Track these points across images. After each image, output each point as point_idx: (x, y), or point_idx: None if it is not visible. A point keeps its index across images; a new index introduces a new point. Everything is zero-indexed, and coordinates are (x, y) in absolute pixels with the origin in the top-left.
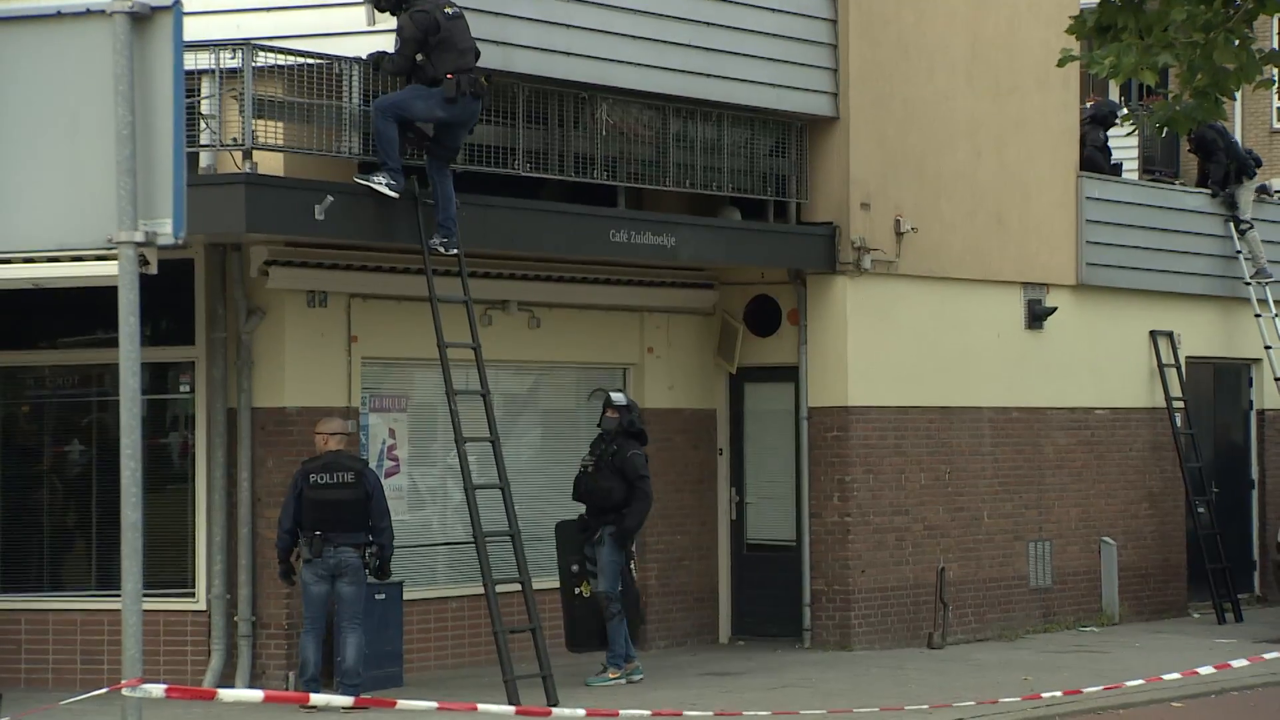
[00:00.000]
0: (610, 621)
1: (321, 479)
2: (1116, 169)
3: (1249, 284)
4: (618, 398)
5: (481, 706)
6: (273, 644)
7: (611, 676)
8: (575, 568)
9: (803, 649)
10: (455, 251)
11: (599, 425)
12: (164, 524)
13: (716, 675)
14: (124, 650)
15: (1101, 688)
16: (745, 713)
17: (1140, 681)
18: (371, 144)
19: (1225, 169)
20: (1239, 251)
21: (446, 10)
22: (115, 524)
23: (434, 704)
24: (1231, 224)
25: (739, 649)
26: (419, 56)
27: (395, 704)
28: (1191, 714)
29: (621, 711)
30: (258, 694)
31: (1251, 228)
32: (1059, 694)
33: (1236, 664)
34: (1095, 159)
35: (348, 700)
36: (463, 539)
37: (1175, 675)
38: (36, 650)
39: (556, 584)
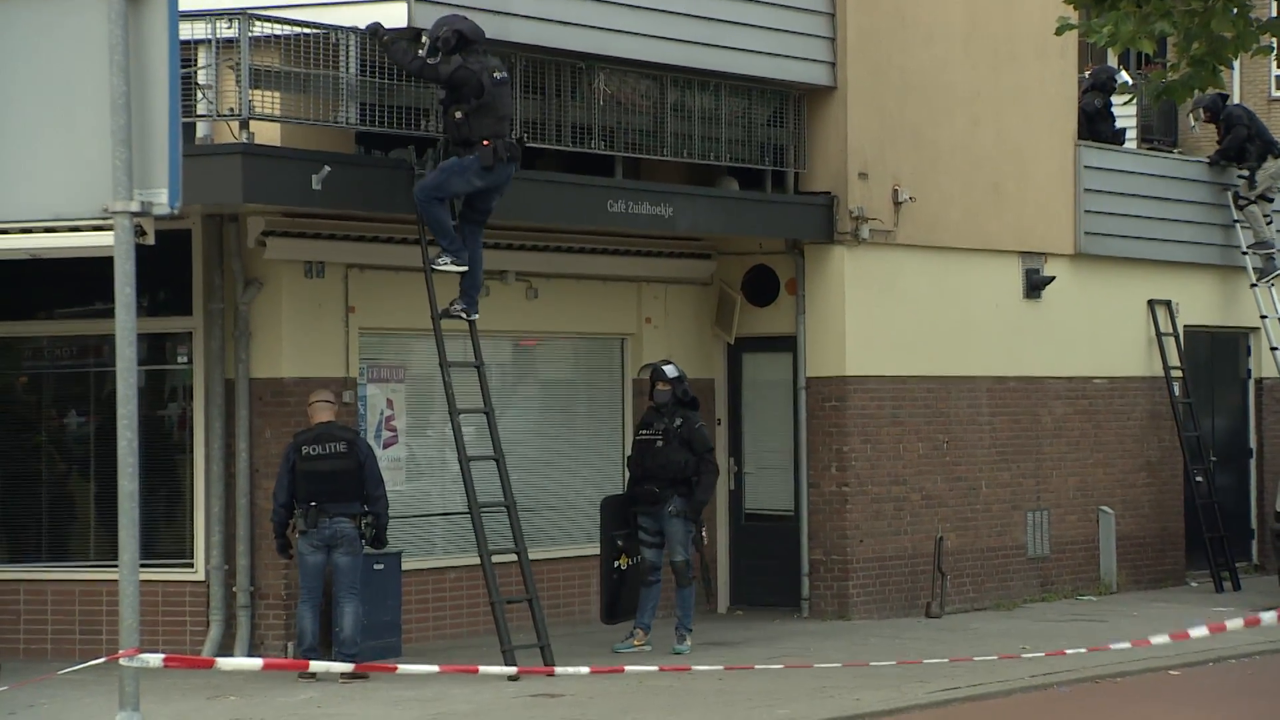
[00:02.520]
0: (682, 589)
1: (313, 450)
2: (1120, 135)
3: (1245, 253)
4: (669, 370)
5: (483, 668)
6: (271, 614)
7: (636, 644)
8: (620, 541)
9: (801, 619)
10: (475, 318)
11: (650, 399)
12: (162, 495)
13: (715, 645)
14: (121, 620)
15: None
16: (756, 666)
17: (1126, 645)
18: (425, 227)
19: (1241, 145)
20: (1236, 221)
21: (495, 75)
22: (113, 494)
23: (435, 667)
24: (1230, 195)
25: (737, 619)
26: (458, 114)
27: (396, 669)
28: (1188, 682)
29: (627, 668)
30: (256, 662)
31: (1253, 203)
32: (1082, 650)
33: (1231, 624)
34: (1096, 127)
35: (347, 666)
36: (460, 509)
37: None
38: (35, 620)
39: (557, 554)
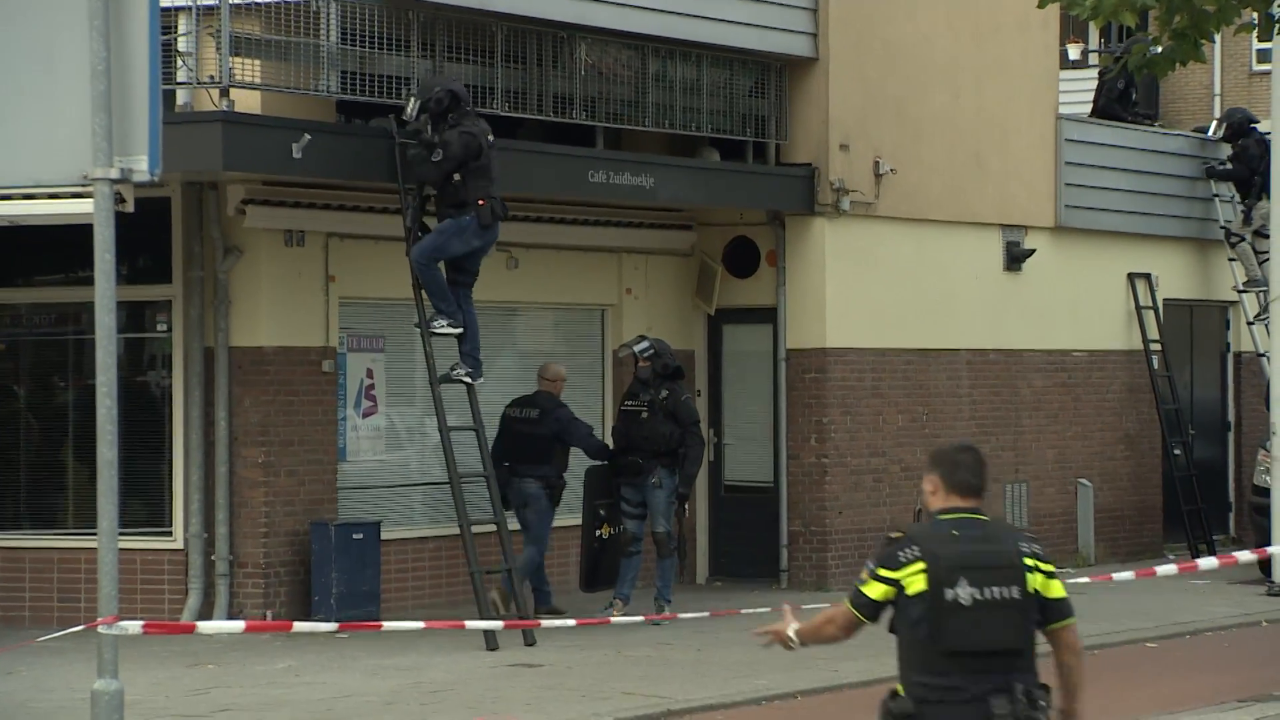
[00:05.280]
0: (663, 560)
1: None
2: (1136, 113)
3: (1240, 292)
4: (640, 347)
5: (470, 623)
6: (250, 583)
7: (616, 614)
8: (602, 511)
9: (780, 590)
10: (480, 381)
11: (636, 374)
12: (141, 463)
13: (694, 617)
14: (100, 588)
15: None
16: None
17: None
18: (421, 291)
19: (1248, 176)
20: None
21: (489, 137)
22: (92, 462)
23: (420, 624)
24: (1224, 232)
25: (716, 590)
26: (456, 177)
27: (380, 625)
28: (1166, 654)
29: (612, 618)
30: (238, 625)
31: (1243, 240)
32: None
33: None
34: (1111, 109)
35: (331, 626)
36: (440, 479)
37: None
38: (13, 588)
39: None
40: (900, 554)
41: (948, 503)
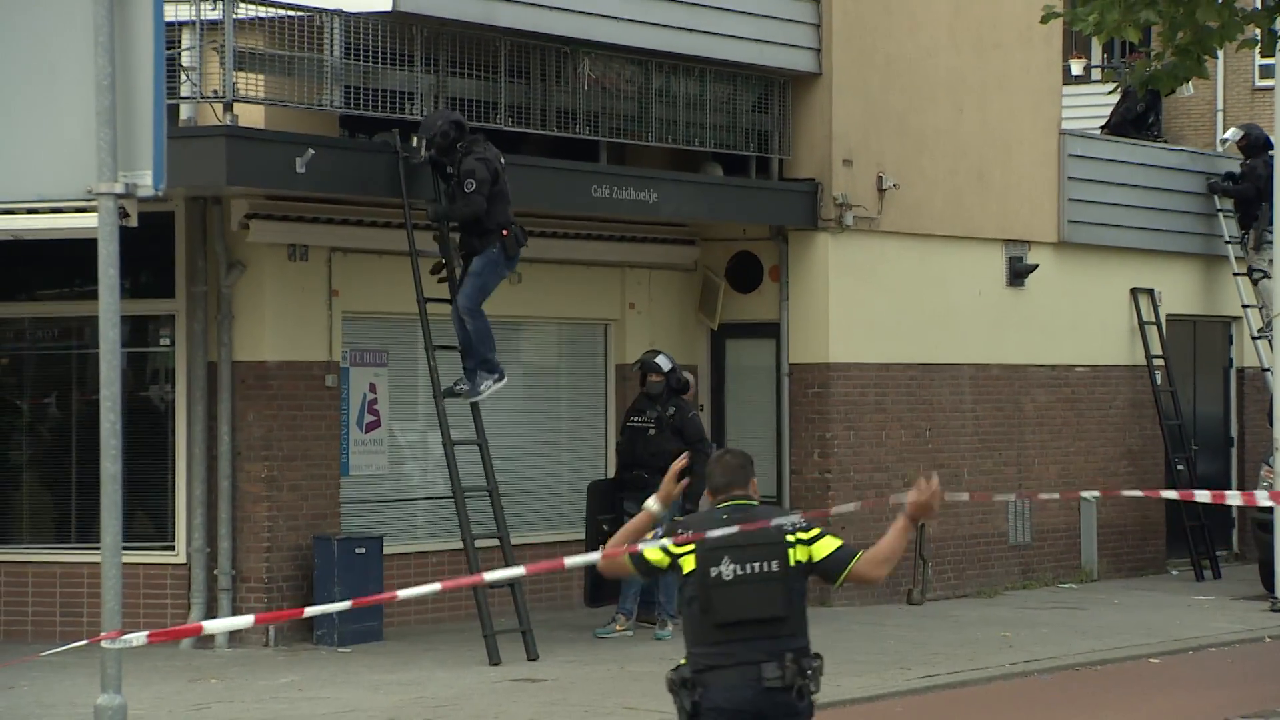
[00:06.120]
0: (666, 575)
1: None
2: (1154, 133)
3: (1257, 339)
4: (662, 362)
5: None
6: (253, 597)
7: (618, 629)
8: (606, 526)
9: None
10: (477, 398)
11: (642, 388)
12: (143, 477)
13: None
14: (103, 603)
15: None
16: None
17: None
18: (468, 345)
19: (1255, 198)
20: (1219, 210)
21: (501, 160)
22: (95, 476)
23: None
24: (1245, 269)
25: None
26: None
27: (396, 595)
28: (1169, 670)
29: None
30: (246, 620)
31: (1266, 276)
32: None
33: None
34: (1124, 129)
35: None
36: (443, 494)
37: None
38: (16, 602)
39: (539, 539)
40: (678, 535)
41: (713, 497)
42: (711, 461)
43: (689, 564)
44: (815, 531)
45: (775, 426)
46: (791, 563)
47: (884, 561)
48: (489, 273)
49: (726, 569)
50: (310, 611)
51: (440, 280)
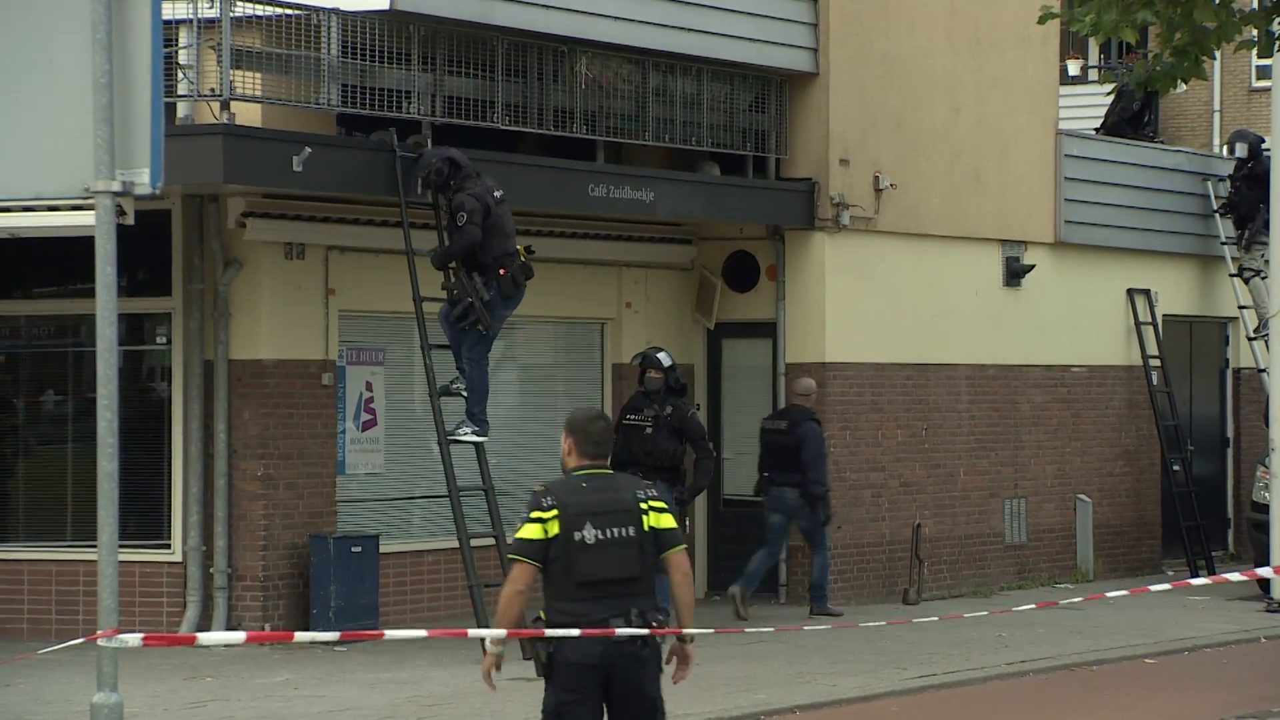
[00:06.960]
0: (660, 574)
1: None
2: (1148, 136)
3: (1253, 340)
4: (663, 358)
5: (472, 631)
6: (248, 596)
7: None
8: None
9: (778, 604)
10: (482, 440)
11: (640, 385)
12: (139, 475)
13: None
14: (99, 601)
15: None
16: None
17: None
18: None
19: (1257, 203)
20: (1216, 211)
21: (495, 194)
22: (91, 474)
23: (423, 632)
24: (1237, 268)
25: (714, 604)
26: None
27: (383, 634)
28: (1165, 670)
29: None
30: (239, 635)
31: (1258, 275)
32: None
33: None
34: (1121, 128)
35: (333, 635)
36: (439, 493)
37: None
38: (11, 600)
39: None
40: (542, 501)
41: (580, 462)
42: (585, 420)
43: (554, 528)
44: (661, 504)
45: None
46: (645, 528)
47: (688, 576)
48: (493, 318)
49: (589, 533)
50: (301, 637)
51: (470, 325)
